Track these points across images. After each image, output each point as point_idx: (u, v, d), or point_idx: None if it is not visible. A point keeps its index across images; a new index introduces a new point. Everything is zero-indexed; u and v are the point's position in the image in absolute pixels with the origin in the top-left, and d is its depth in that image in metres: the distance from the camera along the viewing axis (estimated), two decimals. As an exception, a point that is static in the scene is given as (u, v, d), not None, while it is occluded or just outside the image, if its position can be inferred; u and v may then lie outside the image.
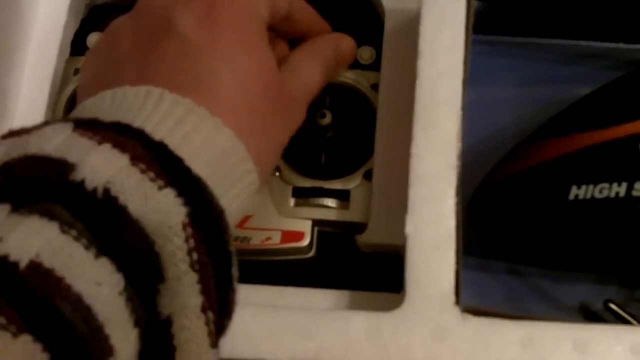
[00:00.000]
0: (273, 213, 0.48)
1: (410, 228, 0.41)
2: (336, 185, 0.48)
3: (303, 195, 0.48)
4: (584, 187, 0.43)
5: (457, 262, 0.40)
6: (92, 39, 0.52)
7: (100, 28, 0.52)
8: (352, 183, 0.48)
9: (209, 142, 0.35)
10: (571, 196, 0.44)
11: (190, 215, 0.31)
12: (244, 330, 0.39)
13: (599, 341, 0.39)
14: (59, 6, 0.52)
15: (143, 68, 0.37)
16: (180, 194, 0.32)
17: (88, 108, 0.35)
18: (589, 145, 0.44)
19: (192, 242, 0.31)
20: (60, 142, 0.32)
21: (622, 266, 0.49)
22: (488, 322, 0.39)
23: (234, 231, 0.47)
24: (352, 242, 0.47)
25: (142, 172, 0.31)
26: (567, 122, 0.47)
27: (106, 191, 0.30)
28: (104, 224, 0.30)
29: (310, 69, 0.44)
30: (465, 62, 0.43)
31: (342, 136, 0.49)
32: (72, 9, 0.52)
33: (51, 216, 0.29)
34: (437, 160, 0.42)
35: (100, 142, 0.31)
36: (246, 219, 0.48)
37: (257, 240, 0.48)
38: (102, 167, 0.31)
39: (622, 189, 0.43)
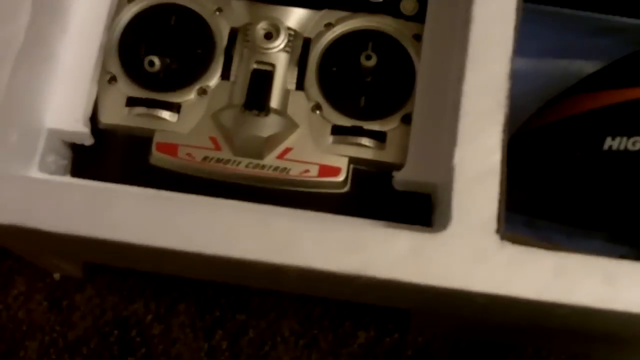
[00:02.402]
0: (312, 148, 0.48)
1: (457, 159, 0.41)
2: (374, 126, 0.49)
3: (341, 133, 0.49)
4: (618, 139, 0.44)
5: (501, 195, 0.41)
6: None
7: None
8: (390, 125, 0.49)
9: None
10: (605, 146, 0.45)
11: None
12: (294, 240, 0.40)
13: (628, 275, 0.40)
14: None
15: None
16: None
17: None
18: (626, 101, 0.45)
19: None
20: None
21: (634, 228, 0.50)
22: (525, 250, 0.40)
23: (274, 161, 0.48)
24: (384, 180, 0.48)
25: None
26: (604, 79, 0.48)
27: None
28: None
29: None
30: (517, 9, 0.44)
31: (382, 81, 0.49)
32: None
33: None
34: (486, 98, 0.42)
35: None
36: (286, 150, 0.48)
37: (295, 171, 0.48)
38: None
39: (654, 144, 0.44)
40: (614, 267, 0.40)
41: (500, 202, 0.41)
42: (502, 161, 0.41)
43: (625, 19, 0.54)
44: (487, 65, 0.43)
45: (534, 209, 0.52)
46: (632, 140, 0.44)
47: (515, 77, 0.52)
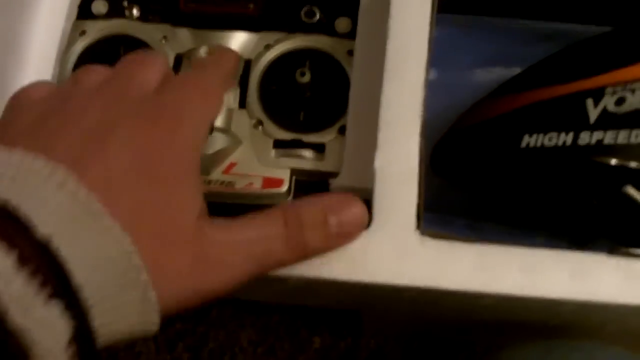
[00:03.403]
0: (255, 162, 0.51)
1: (378, 163, 0.44)
2: (313, 138, 0.51)
3: (283, 147, 0.51)
4: (534, 136, 0.46)
5: (419, 195, 0.43)
6: (97, 5, 0.55)
7: (104, -4, 0.55)
8: (328, 137, 0.51)
9: (97, 247, 0.31)
10: (523, 144, 0.46)
11: (75, 332, 0.29)
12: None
13: (544, 262, 0.42)
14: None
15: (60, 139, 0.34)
16: (67, 307, 0.28)
17: None
18: (542, 100, 0.47)
19: (75, 358, 0.29)
20: None
21: (570, 223, 0.52)
22: (446, 244, 0.42)
23: (220, 176, 0.50)
24: (326, 190, 0.50)
25: (29, 277, 0.28)
26: (522, 81, 0.50)
27: None
28: None
29: (264, 242, 0.38)
30: (431, 23, 0.46)
31: (319, 95, 0.52)
32: (79, -23, 0.55)
33: None
34: (403, 106, 0.45)
35: None
36: (231, 165, 0.50)
37: (240, 184, 0.50)
38: None
39: (569, 138, 0.46)
40: (531, 256, 0.42)
41: (419, 201, 0.43)
42: (420, 164, 0.43)
43: (557, 25, 0.56)
44: (403, 76, 0.45)
45: (474, 212, 0.53)
46: (548, 136, 0.46)
47: (451, 86, 0.54)
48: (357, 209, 0.41)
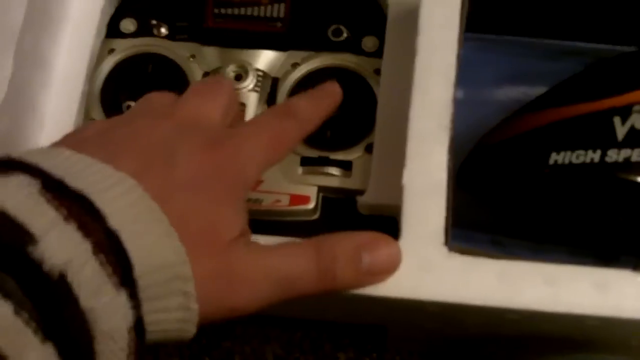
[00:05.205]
0: (282, 179, 0.51)
1: (406, 178, 0.44)
2: (340, 156, 0.52)
3: (310, 164, 0.52)
4: (562, 153, 0.47)
5: (447, 209, 0.44)
6: (125, 24, 0.56)
7: (132, 14, 0.57)
8: (354, 154, 0.52)
9: (155, 249, 0.33)
10: (551, 161, 0.47)
11: (135, 320, 0.31)
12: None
13: (567, 277, 0.42)
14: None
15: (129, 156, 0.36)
16: (130, 296, 0.31)
17: (64, 158, 0.34)
18: (569, 117, 0.48)
19: (132, 346, 0.31)
20: (23, 201, 0.31)
21: (596, 240, 0.53)
22: (471, 259, 0.43)
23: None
24: (352, 207, 0.51)
25: (101, 264, 0.30)
26: (549, 99, 0.50)
27: (62, 276, 0.29)
28: (52, 307, 0.29)
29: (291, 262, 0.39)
30: (459, 40, 0.47)
31: (346, 113, 0.52)
32: (108, -5, 0.56)
33: (5, 293, 0.28)
34: (431, 121, 0.45)
35: (66, 219, 0.30)
36: (258, 183, 0.52)
37: (267, 202, 0.51)
38: (64, 248, 0.30)
39: (596, 156, 0.46)
40: (555, 272, 0.42)
41: (447, 216, 0.43)
42: (448, 178, 0.44)
43: (578, 43, 0.57)
44: (431, 91, 0.46)
45: (498, 227, 0.54)
46: (575, 154, 0.46)
47: (476, 104, 0.55)
48: (392, 251, 0.41)
